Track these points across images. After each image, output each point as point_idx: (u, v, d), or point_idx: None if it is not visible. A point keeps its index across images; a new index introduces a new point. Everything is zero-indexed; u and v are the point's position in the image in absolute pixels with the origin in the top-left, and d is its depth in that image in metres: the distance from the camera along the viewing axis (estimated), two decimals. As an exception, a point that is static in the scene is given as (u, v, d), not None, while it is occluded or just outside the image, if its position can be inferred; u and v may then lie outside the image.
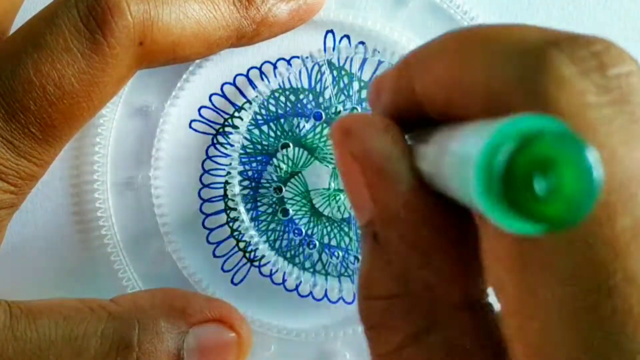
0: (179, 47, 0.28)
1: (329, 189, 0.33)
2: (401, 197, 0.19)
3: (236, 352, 0.29)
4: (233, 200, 0.33)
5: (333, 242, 0.33)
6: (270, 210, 0.33)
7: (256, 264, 0.34)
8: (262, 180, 0.33)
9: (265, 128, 0.33)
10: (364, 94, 0.33)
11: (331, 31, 0.33)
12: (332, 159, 0.33)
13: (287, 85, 0.33)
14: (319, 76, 0.33)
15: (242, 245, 0.34)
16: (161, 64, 0.29)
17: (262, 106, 0.33)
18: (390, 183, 0.19)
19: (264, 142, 0.33)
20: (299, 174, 0.33)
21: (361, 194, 0.19)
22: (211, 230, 0.34)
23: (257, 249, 0.33)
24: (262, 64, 0.33)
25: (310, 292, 0.33)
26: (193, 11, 0.28)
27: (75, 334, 0.26)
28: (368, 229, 0.20)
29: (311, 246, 0.33)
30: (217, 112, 0.33)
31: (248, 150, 0.33)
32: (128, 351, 0.27)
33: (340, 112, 0.33)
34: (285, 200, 0.33)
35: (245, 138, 0.33)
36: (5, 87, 0.25)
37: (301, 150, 0.33)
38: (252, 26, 0.30)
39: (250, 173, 0.33)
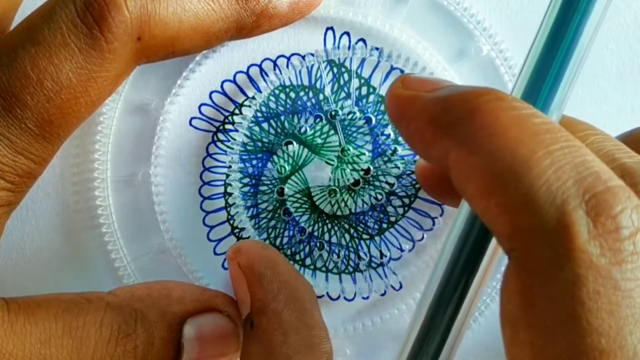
0: (177, 41, 0.28)
1: (329, 186, 0.33)
2: (270, 294, 0.27)
3: (236, 341, 0.29)
4: (233, 198, 0.33)
5: (334, 240, 0.33)
6: (270, 207, 0.33)
7: (257, 261, 0.34)
8: (263, 178, 0.33)
9: (265, 125, 0.33)
10: (363, 91, 0.33)
11: (331, 28, 0.33)
12: (332, 156, 0.33)
13: (287, 83, 0.33)
14: (319, 73, 0.33)
15: (242, 242, 0.34)
16: (160, 59, 0.29)
17: (262, 103, 0.33)
18: (264, 286, 0.28)
19: (265, 140, 0.33)
20: (299, 172, 0.33)
21: (244, 292, 0.28)
22: (212, 227, 0.34)
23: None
24: (262, 61, 0.33)
25: (311, 290, 0.33)
26: (191, 4, 0.28)
27: (75, 325, 0.26)
28: (246, 322, 0.28)
29: (312, 243, 0.33)
30: (218, 110, 0.33)
31: (248, 148, 0.33)
32: (128, 339, 0.27)
33: (349, 113, 0.33)
34: (286, 197, 0.33)
35: (246, 135, 0.33)
36: (2, 82, 0.26)
37: (301, 147, 0.33)
38: (252, 18, 0.30)
39: (250, 170, 0.33)
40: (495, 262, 0.24)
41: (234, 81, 0.33)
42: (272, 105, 0.33)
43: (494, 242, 0.24)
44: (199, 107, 0.34)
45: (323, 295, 0.33)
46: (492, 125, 0.21)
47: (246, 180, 0.33)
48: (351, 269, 0.33)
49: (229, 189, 0.33)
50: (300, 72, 0.33)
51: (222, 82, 0.33)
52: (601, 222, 0.20)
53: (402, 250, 0.33)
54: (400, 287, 0.33)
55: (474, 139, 0.21)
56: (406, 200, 0.34)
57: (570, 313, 0.19)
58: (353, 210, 0.33)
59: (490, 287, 0.33)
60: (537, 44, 0.24)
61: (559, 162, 0.20)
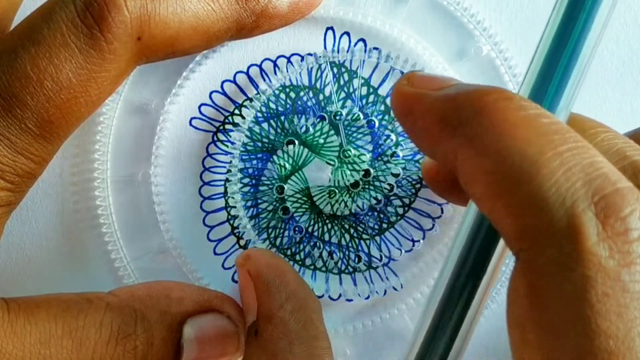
0: (177, 41, 0.28)
1: (329, 186, 0.33)
2: (278, 302, 0.28)
3: (236, 342, 0.28)
4: (233, 198, 0.33)
5: (334, 240, 0.33)
6: (270, 207, 0.33)
7: (257, 261, 0.34)
8: (263, 178, 0.33)
9: (265, 125, 0.33)
10: (364, 91, 0.33)
11: (331, 28, 0.33)
12: (332, 156, 0.33)
13: (288, 83, 0.33)
14: (319, 73, 0.33)
15: (242, 242, 0.34)
16: (160, 59, 0.29)
17: (262, 103, 0.33)
18: (272, 294, 0.28)
19: (265, 140, 0.33)
20: (300, 172, 0.33)
21: (252, 299, 0.28)
22: (212, 227, 0.34)
23: (258, 246, 0.33)
24: (262, 62, 0.33)
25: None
26: (191, 4, 0.28)
27: (75, 325, 0.26)
28: (251, 329, 0.28)
29: (312, 244, 0.33)
30: (218, 110, 0.33)
31: (248, 148, 0.33)
32: (127, 340, 0.27)
33: (350, 113, 0.33)
34: (286, 197, 0.33)
35: (246, 135, 0.33)
36: (2, 82, 0.26)
37: (301, 147, 0.33)
38: (252, 18, 0.30)
39: (250, 171, 0.33)
40: (502, 263, 0.24)
41: (234, 81, 0.33)
42: (272, 105, 0.33)
43: (501, 243, 0.23)
44: (199, 107, 0.33)
45: (323, 295, 0.33)
46: (501, 125, 0.21)
47: (246, 180, 0.33)
48: (351, 269, 0.33)
49: (229, 189, 0.33)
50: (300, 72, 0.33)
51: (222, 82, 0.33)
52: (610, 224, 0.19)
53: (402, 251, 0.33)
54: (401, 287, 0.33)
55: (481, 139, 0.21)
56: (406, 201, 0.34)
57: (579, 315, 0.19)
58: (353, 211, 0.33)
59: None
60: (543, 42, 0.23)
61: (568, 163, 0.20)
